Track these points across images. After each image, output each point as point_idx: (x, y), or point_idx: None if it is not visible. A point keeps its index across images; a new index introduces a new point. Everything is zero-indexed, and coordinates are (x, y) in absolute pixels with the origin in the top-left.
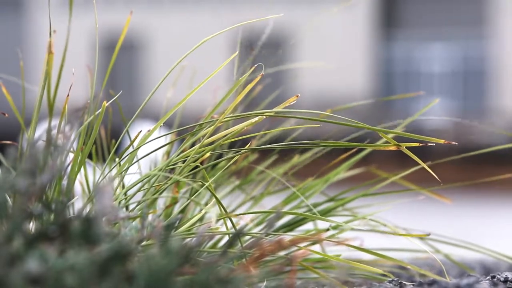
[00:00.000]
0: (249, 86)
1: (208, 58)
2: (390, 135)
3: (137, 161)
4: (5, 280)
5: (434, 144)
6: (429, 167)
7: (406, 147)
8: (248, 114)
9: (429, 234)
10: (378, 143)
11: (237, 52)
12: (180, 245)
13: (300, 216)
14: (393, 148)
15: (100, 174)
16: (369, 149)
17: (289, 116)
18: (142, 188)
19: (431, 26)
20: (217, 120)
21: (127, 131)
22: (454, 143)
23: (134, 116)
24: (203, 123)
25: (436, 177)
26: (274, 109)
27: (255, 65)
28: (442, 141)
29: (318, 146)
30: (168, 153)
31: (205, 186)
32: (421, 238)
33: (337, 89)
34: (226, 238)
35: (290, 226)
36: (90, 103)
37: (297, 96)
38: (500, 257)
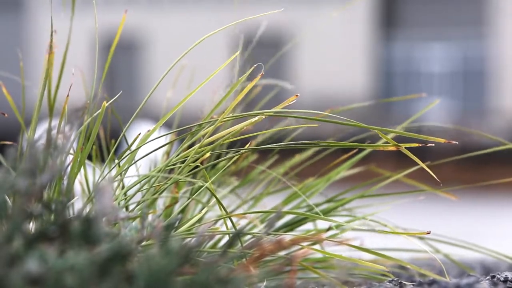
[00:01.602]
0: (249, 86)
1: (208, 58)
2: (390, 135)
3: (137, 161)
4: (5, 280)
5: (433, 145)
6: (428, 167)
7: (405, 148)
8: (248, 114)
9: (429, 232)
10: (377, 143)
11: (237, 52)
12: (180, 245)
13: (300, 216)
14: (392, 148)
15: (100, 174)
16: (369, 149)
17: (289, 116)
18: (142, 189)
19: (431, 26)
20: (217, 120)
21: (126, 131)
22: (454, 142)
23: (133, 116)
24: (202, 123)
25: (435, 177)
26: (273, 109)
27: (255, 65)
28: (442, 140)
29: (318, 146)
30: (168, 153)
31: (205, 186)
32: (421, 238)
33: (337, 89)
34: (226, 238)
35: (290, 226)
36: (89, 103)
37: (297, 95)
38: (500, 257)
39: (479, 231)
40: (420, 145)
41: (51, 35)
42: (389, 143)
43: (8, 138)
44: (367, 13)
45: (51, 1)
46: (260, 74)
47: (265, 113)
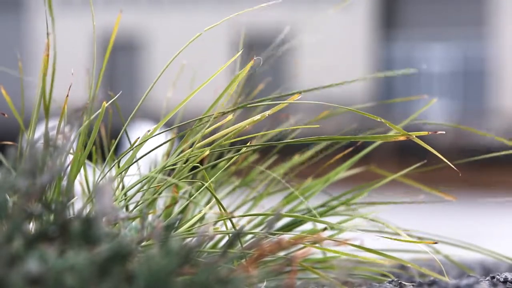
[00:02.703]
0: (244, 70)
1: (208, 58)
2: (393, 132)
3: (137, 161)
4: (5, 280)
5: (444, 132)
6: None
7: (415, 137)
8: (247, 104)
9: (436, 243)
10: (384, 137)
11: (239, 53)
12: (180, 245)
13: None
14: (402, 138)
15: (100, 174)
16: (369, 148)
17: (291, 104)
18: (142, 189)
19: (431, 26)
20: (216, 115)
21: (126, 131)
22: (456, 142)
23: (131, 116)
24: (202, 118)
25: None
26: (274, 108)
27: (254, 58)
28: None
29: (322, 139)
30: (168, 153)
31: (204, 186)
32: (420, 238)
33: (337, 89)
34: (226, 238)
35: (289, 227)
36: (89, 103)
37: (299, 94)
38: (500, 258)
39: (479, 231)
40: (429, 133)
41: (48, 36)
42: (396, 136)
43: (8, 138)
44: (367, 13)
45: (45, 2)
46: (252, 59)
47: (270, 104)
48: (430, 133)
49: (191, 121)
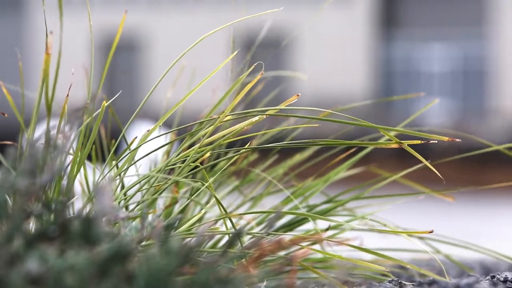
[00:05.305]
0: (249, 86)
1: (207, 58)
2: (391, 134)
3: (137, 161)
4: (5, 280)
5: (436, 141)
6: (430, 164)
7: (408, 145)
8: (249, 113)
9: (431, 231)
10: (379, 141)
11: (236, 51)
12: (180, 245)
13: (300, 216)
14: (394, 146)
15: (100, 174)
16: (369, 149)
17: (290, 115)
18: (142, 188)
19: (431, 26)
20: (217, 119)
21: (126, 131)
22: (457, 140)
23: (133, 116)
24: (203, 122)
25: (439, 174)
26: (274, 108)
27: (255, 64)
28: (445, 139)
29: (319, 145)
30: (168, 153)
31: (205, 186)
32: (420, 238)
33: (337, 89)
34: (226, 238)
35: (289, 226)
36: (89, 103)
37: (298, 95)
38: (499, 257)
39: (479, 231)
40: (422, 141)
41: (49, 35)
42: (391, 140)
43: (8, 138)
44: (367, 13)
45: (43, 2)
46: (260, 73)
47: (267, 111)
48: (422, 142)
49: (192, 124)
